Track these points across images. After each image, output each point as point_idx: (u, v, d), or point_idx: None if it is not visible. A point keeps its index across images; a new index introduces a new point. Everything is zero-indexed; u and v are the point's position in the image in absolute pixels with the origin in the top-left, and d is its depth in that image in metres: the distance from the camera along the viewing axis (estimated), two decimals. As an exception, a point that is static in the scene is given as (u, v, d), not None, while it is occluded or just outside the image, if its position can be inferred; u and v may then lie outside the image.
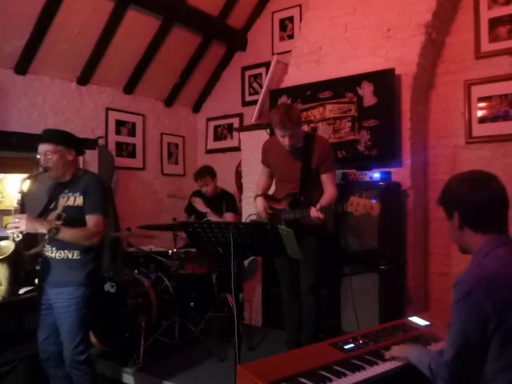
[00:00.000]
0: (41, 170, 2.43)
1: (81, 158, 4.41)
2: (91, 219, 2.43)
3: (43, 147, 2.46)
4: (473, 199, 1.52)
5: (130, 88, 4.94)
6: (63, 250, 2.44)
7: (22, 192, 2.39)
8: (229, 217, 4.27)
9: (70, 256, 2.44)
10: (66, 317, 2.40)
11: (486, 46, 3.63)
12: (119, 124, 4.89)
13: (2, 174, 4.42)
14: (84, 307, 2.43)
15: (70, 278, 2.42)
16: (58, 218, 2.43)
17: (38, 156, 2.48)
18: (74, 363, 2.42)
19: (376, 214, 2.54)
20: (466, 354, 1.42)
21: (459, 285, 1.45)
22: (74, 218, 2.42)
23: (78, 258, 2.44)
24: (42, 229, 2.32)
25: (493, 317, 1.37)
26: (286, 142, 2.89)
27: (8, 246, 2.30)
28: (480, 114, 3.65)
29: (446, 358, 1.45)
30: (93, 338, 3.41)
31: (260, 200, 3.07)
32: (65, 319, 2.41)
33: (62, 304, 2.42)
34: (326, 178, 2.94)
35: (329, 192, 2.90)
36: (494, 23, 3.61)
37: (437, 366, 1.48)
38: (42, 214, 2.48)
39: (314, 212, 2.72)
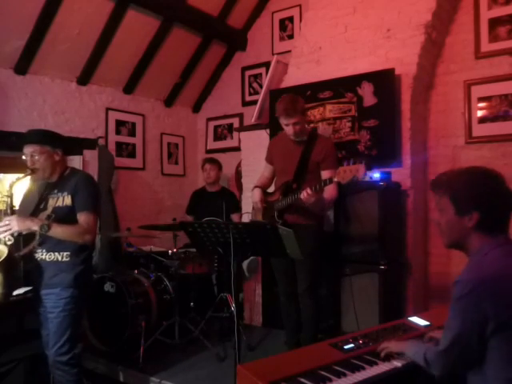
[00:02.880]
0: (28, 171, 2.40)
1: (81, 158, 4.42)
2: (82, 217, 2.42)
3: (29, 149, 2.42)
4: (498, 199, 1.48)
5: (129, 88, 4.94)
6: (53, 251, 2.44)
7: (10, 195, 2.37)
8: (235, 218, 4.31)
9: (59, 258, 2.44)
10: (53, 317, 2.41)
11: (486, 46, 3.63)
12: (119, 124, 4.89)
13: (2, 174, 4.42)
14: (72, 308, 2.42)
15: (59, 280, 2.42)
16: (48, 218, 2.41)
17: (24, 157, 2.44)
18: (56, 363, 2.41)
19: (361, 176, 2.43)
20: (460, 347, 1.44)
21: (460, 283, 1.44)
22: (63, 217, 2.41)
23: (68, 259, 2.44)
24: (33, 226, 2.30)
25: (493, 317, 1.37)
26: (290, 130, 2.91)
27: (1, 250, 2.29)
28: (480, 114, 3.64)
29: (440, 348, 1.49)
30: (92, 338, 3.42)
31: (257, 191, 3.10)
32: (52, 319, 2.41)
33: (50, 305, 2.43)
34: (327, 174, 2.90)
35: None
36: (494, 23, 3.61)
37: (431, 355, 1.51)
38: (33, 215, 2.46)
39: (304, 192, 2.66)
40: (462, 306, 1.43)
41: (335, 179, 2.52)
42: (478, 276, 1.44)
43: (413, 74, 3.52)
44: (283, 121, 2.92)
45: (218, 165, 4.54)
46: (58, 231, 2.35)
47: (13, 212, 2.38)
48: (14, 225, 2.28)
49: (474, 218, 1.49)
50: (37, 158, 2.41)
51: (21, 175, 2.43)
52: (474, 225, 1.50)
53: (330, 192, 2.85)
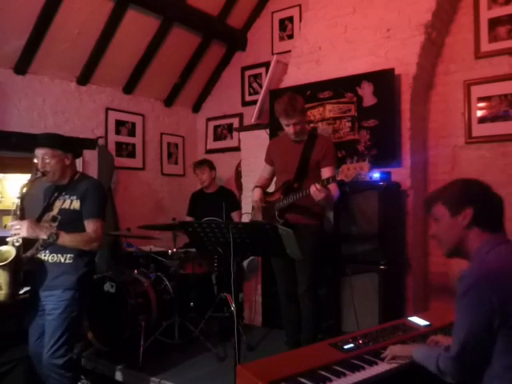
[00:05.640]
0: (39, 174, 2.43)
1: (80, 158, 4.42)
2: (90, 224, 2.45)
3: (41, 151, 2.46)
4: (490, 197, 1.55)
5: (129, 88, 4.93)
6: (56, 253, 2.45)
7: (21, 197, 2.40)
8: (235, 216, 4.30)
9: (62, 260, 2.45)
10: (52, 319, 2.40)
11: (486, 46, 3.63)
12: (119, 124, 4.88)
13: (2, 174, 4.42)
14: (72, 311, 2.42)
15: (61, 282, 2.43)
16: (54, 219, 2.44)
17: (35, 160, 2.48)
18: (51, 366, 2.40)
19: (366, 173, 2.46)
20: (472, 347, 1.41)
21: (464, 279, 1.44)
22: (69, 220, 2.44)
23: (71, 262, 2.45)
24: (42, 234, 2.34)
25: (498, 310, 1.37)
26: (290, 130, 2.92)
27: (9, 250, 2.32)
28: (480, 114, 3.64)
29: (452, 354, 1.45)
30: (92, 338, 3.42)
31: (257, 190, 3.11)
32: (51, 321, 2.41)
33: (50, 306, 2.43)
34: (326, 172, 2.92)
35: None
36: (494, 23, 3.60)
37: (444, 362, 1.47)
38: (40, 218, 2.49)
39: (313, 188, 2.66)
40: (468, 301, 1.42)
41: (338, 177, 2.53)
42: (481, 270, 1.45)
43: (412, 74, 3.51)
44: (283, 121, 2.93)
45: (207, 165, 4.44)
46: (65, 240, 2.38)
47: (23, 214, 2.40)
48: (24, 231, 2.31)
49: (469, 214, 1.52)
50: (48, 160, 2.45)
51: (28, 176, 2.47)
52: (470, 221, 1.53)
53: (332, 191, 2.85)
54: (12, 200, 4.34)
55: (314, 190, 2.66)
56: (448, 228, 1.58)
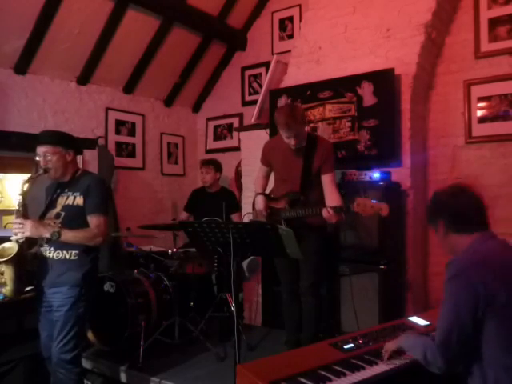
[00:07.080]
0: (41, 171, 2.46)
1: (81, 158, 4.41)
2: (93, 220, 2.46)
3: (42, 149, 2.48)
4: (452, 205, 1.62)
5: (129, 88, 4.94)
6: (61, 250, 2.47)
7: (23, 194, 2.42)
8: (235, 218, 4.30)
9: (67, 256, 2.46)
10: (60, 315, 2.43)
11: (486, 46, 3.63)
12: (119, 124, 4.89)
13: (2, 174, 4.42)
14: (78, 307, 2.45)
15: (66, 278, 2.45)
16: (57, 216, 2.46)
17: (37, 158, 2.50)
18: (59, 361, 2.43)
19: (386, 215, 2.55)
20: (456, 331, 1.43)
21: (451, 264, 1.50)
22: (73, 217, 2.46)
23: (76, 258, 2.47)
24: (45, 233, 2.36)
25: (483, 296, 1.40)
26: (291, 142, 2.90)
27: (12, 247, 2.34)
28: (480, 113, 3.64)
29: (437, 342, 1.47)
30: (92, 338, 3.42)
31: (261, 198, 3.08)
32: (58, 318, 2.44)
33: (56, 303, 2.45)
34: (326, 179, 2.93)
35: (335, 195, 2.88)
36: (494, 23, 3.61)
37: (432, 354, 1.49)
38: (43, 216, 2.50)
39: (326, 213, 2.72)
40: (454, 286, 1.47)
41: (355, 210, 2.62)
42: (468, 257, 1.51)
43: (413, 74, 3.52)
44: (284, 133, 2.89)
45: (213, 167, 4.43)
46: (68, 237, 2.39)
47: (25, 210, 2.42)
48: (27, 230, 2.33)
49: (441, 226, 1.64)
50: (49, 158, 2.47)
51: (29, 174, 2.49)
52: (444, 231, 1.63)
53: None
54: (12, 200, 4.36)
55: (327, 214, 2.72)
56: (440, 241, 1.70)
